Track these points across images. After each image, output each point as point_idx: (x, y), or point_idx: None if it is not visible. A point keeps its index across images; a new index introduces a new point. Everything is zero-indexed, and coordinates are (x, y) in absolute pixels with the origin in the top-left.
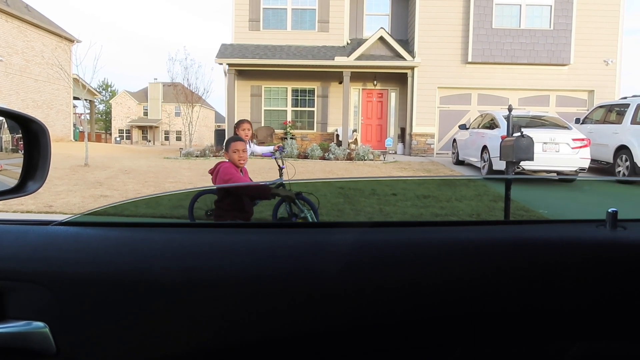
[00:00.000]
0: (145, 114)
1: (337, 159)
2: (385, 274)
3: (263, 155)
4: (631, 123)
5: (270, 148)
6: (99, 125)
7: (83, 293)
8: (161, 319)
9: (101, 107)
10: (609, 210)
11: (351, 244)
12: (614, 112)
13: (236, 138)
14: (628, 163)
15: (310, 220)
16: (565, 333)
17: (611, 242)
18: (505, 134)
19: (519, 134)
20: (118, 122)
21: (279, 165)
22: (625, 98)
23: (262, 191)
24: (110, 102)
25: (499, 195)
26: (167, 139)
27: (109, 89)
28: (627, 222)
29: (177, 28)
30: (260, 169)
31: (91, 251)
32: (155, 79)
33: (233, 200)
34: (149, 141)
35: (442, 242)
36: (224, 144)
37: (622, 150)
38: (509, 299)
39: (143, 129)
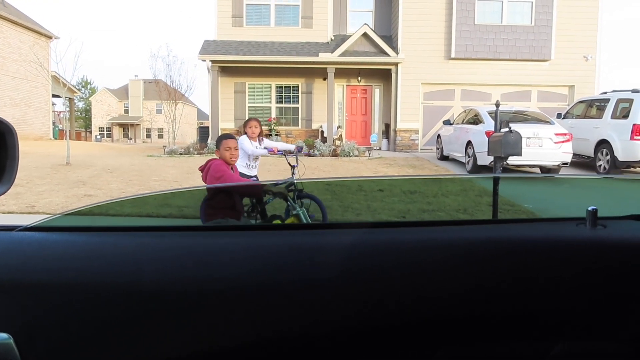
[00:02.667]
0: (126, 111)
1: (323, 156)
2: (375, 275)
3: (279, 152)
4: (611, 118)
5: (291, 146)
6: (79, 123)
7: (49, 301)
8: (132, 327)
9: (80, 104)
10: (589, 209)
11: (342, 245)
12: (594, 107)
13: (228, 135)
14: (608, 157)
15: (303, 217)
16: (547, 333)
17: (591, 240)
18: (490, 129)
19: (507, 129)
20: (98, 120)
21: (289, 164)
22: (605, 93)
23: (254, 189)
24: (90, 99)
25: (484, 190)
26: (148, 136)
27: (89, 86)
28: (606, 220)
29: (159, 24)
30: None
31: (57, 257)
32: (135, 75)
33: (224, 198)
34: (130, 139)
35: (426, 242)
36: (216, 142)
37: (603, 144)
38: (492, 299)
39: (124, 127)
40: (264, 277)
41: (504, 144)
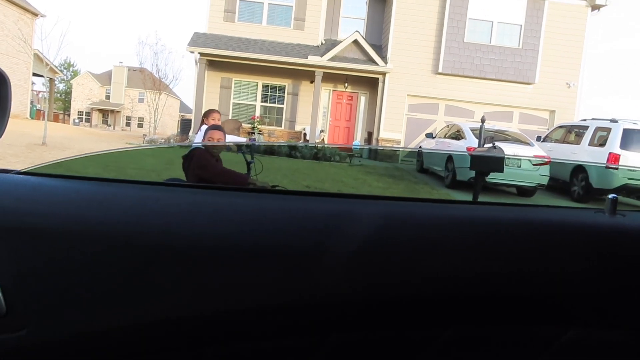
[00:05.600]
0: (108, 97)
1: (304, 158)
2: (388, 248)
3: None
4: (589, 145)
5: (242, 139)
6: (58, 105)
7: (42, 248)
8: (129, 281)
9: (61, 86)
10: (609, 197)
11: (354, 214)
12: (573, 133)
13: (215, 127)
14: (583, 183)
15: None
16: (559, 318)
17: (610, 227)
18: (471, 145)
19: (490, 145)
20: (78, 104)
21: (246, 160)
22: (585, 120)
23: (238, 180)
24: (71, 82)
25: None
26: (128, 124)
27: (71, 69)
28: (625, 211)
29: (149, 11)
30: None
31: (53, 203)
32: (120, 62)
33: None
34: (110, 125)
35: (443, 219)
36: (204, 132)
37: (579, 170)
38: (505, 281)
39: (104, 113)
40: (270, 240)
41: (487, 160)
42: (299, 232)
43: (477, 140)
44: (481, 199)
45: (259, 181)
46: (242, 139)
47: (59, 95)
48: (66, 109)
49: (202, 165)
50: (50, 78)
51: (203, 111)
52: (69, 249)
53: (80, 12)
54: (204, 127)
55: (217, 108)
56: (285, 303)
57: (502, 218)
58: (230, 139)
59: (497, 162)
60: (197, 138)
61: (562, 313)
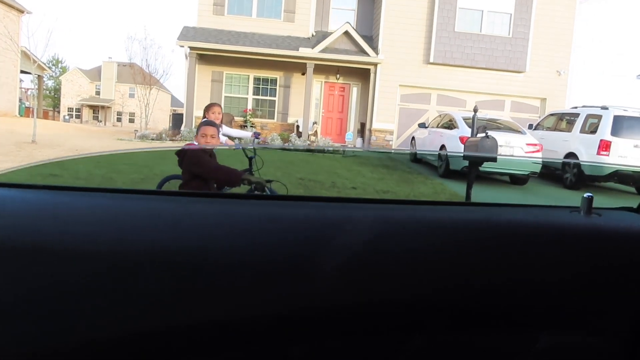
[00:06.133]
0: (98, 93)
1: (297, 150)
2: (353, 252)
3: (236, 146)
4: (580, 132)
5: (248, 133)
6: (47, 102)
7: None
8: (84, 293)
9: (50, 83)
10: (585, 196)
11: (314, 219)
12: (564, 121)
13: (207, 122)
14: (575, 170)
15: None
16: (534, 323)
17: (585, 228)
18: (464, 134)
19: (483, 134)
20: (68, 100)
21: (246, 155)
22: (575, 108)
23: (232, 176)
24: (60, 78)
25: (455, 194)
26: (119, 120)
27: (60, 65)
28: (600, 210)
29: (136, 6)
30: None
31: (3, 214)
32: (109, 57)
33: (199, 184)
34: (100, 121)
35: (415, 221)
36: (197, 128)
37: (570, 157)
38: (477, 286)
39: (94, 109)
40: (237, 247)
41: (480, 149)
42: (275, 242)
43: (469, 130)
44: (474, 188)
45: (253, 177)
46: (246, 133)
47: (48, 92)
48: (56, 105)
49: (195, 161)
50: (39, 75)
51: (194, 105)
52: (15, 262)
53: (67, 8)
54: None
55: (208, 102)
56: (275, 313)
57: (472, 220)
58: (232, 132)
59: (490, 151)
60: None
61: (537, 318)
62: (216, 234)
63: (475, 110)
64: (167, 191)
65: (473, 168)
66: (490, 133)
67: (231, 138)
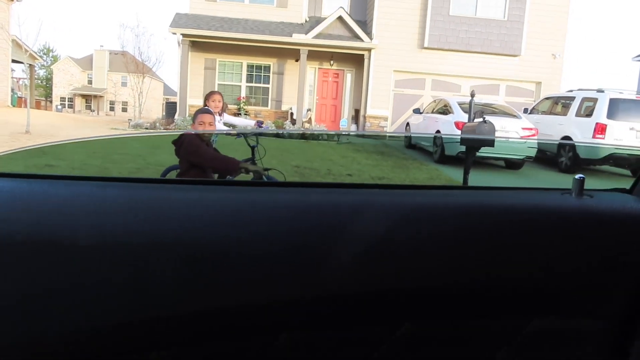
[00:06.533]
0: (90, 82)
1: (292, 137)
2: (348, 238)
3: (237, 136)
4: (575, 115)
5: (251, 121)
6: (39, 92)
7: None
8: (63, 285)
9: (41, 72)
10: (576, 177)
11: (310, 204)
12: (559, 104)
13: (204, 110)
14: (571, 154)
15: None
16: (525, 307)
17: (577, 209)
18: (459, 119)
19: (481, 119)
20: (60, 90)
21: (249, 144)
22: (571, 91)
23: (230, 164)
24: (51, 67)
25: (450, 179)
26: (112, 109)
27: (51, 54)
28: (592, 192)
29: None
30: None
31: None
32: (101, 46)
33: (197, 173)
34: (93, 111)
35: (407, 206)
36: (193, 115)
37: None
38: (468, 270)
39: (87, 98)
40: (222, 237)
41: (478, 134)
42: (274, 228)
43: (465, 115)
44: (470, 173)
45: (251, 165)
46: (249, 122)
47: (39, 81)
48: (48, 95)
49: (192, 150)
50: (30, 64)
51: (188, 94)
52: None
53: None
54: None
55: (201, 90)
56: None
57: (462, 204)
58: (234, 121)
59: (488, 136)
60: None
61: (530, 302)
62: (215, 223)
63: (472, 95)
64: (168, 179)
65: (470, 153)
66: (487, 118)
67: (233, 126)
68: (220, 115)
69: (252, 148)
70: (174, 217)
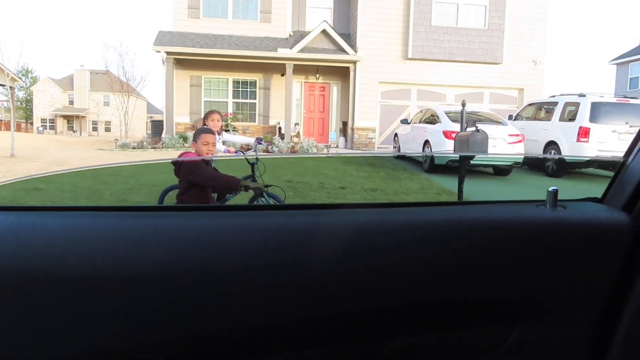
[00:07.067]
0: (71, 102)
1: (281, 152)
2: (341, 257)
3: (237, 153)
4: (559, 120)
5: (250, 139)
6: (19, 114)
7: None
8: (52, 316)
9: (20, 94)
10: (550, 189)
11: (303, 227)
12: (543, 110)
13: (207, 130)
14: (556, 158)
15: None
16: (506, 318)
17: (552, 221)
18: (447, 129)
19: (473, 128)
20: (40, 111)
21: (248, 161)
22: (554, 97)
23: (230, 183)
24: (31, 89)
25: (442, 188)
26: (95, 129)
27: (30, 75)
28: (566, 202)
29: (110, 11)
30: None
31: None
32: (82, 65)
33: (197, 192)
34: (76, 131)
35: (386, 224)
36: (193, 135)
37: (551, 145)
38: (448, 283)
39: (69, 119)
40: (206, 264)
41: (472, 143)
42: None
43: (453, 123)
44: (457, 180)
45: (252, 182)
46: (248, 139)
47: (19, 103)
48: (28, 117)
49: (193, 170)
50: (10, 86)
51: (174, 111)
52: None
53: (33, 15)
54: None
55: (188, 107)
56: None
57: (441, 219)
58: (233, 139)
59: (482, 145)
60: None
61: (508, 313)
62: (204, 249)
63: (463, 105)
64: (155, 206)
65: (464, 163)
66: (480, 127)
67: (233, 144)
68: (219, 134)
69: (252, 165)
70: (164, 245)
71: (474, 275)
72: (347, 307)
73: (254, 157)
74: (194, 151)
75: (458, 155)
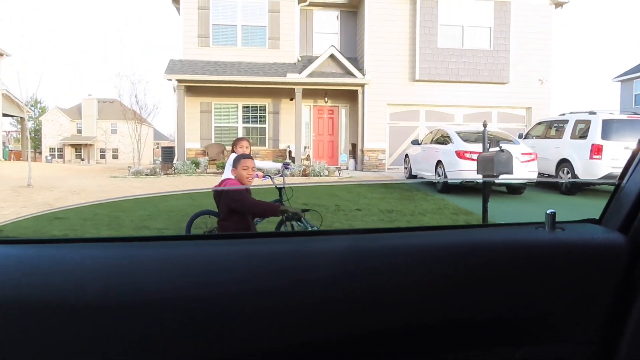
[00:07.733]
0: (79, 131)
1: (293, 176)
2: (357, 281)
3: (264, 177)
4: (571, 138)
5: (278, 164)
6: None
7: None
8: (74, 343)
9: (30, 124)
10: (548, 212)
11: (335, 251)
12: (553, 128)
13: (246, 155)
14: (569, 175)
15: None
16: (510, 339)
17: (551, 243)
18: (460, 149)
19: (497, 148)
20: (49, 140)
21: (275, 186)
22: (563, 114)
23: (271, 209)
24: (40, 118)
25: (457, 208)
26: (103, 157)
27: (38, 105)
28: (564, 224)
29: (121, 42)
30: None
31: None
32: (89, 94)
33: (238, 219)
34: (84, 159)
35: (386, 248)
36: (234, 160)
37: (564, 163)
38: (450, 305)
39: (77, 147)
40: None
41: (497, 162)
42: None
43: (464, 143)
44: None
45: (290, 207)
46: (276, 165)
47: (28, 133)
48: (37, 146)
49: (237, 198)
50: (21, 117)
51: (185, 137)
52: (2, 317)
53: (39, 47)
54: (233, 155)
55: (198, 133)
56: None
57: (443, 242)
58: (262, 164)
59: (506, 164)
60: (226, 167)
61: (512, 333)
62: (220, 276)
63: (484, 126)
64: (169, 236)
65: (488, 184)
66: (480, 146)
67: (261, 169)
68: None
69: (280, 190)
70: (178, 273)
71: (477, 297)
72: (353, 330)
73: (281, 183)
74: (233, 177)
75: (493, 179)
